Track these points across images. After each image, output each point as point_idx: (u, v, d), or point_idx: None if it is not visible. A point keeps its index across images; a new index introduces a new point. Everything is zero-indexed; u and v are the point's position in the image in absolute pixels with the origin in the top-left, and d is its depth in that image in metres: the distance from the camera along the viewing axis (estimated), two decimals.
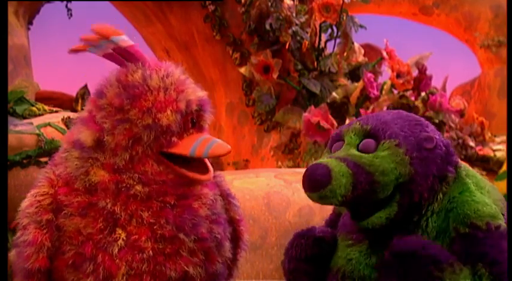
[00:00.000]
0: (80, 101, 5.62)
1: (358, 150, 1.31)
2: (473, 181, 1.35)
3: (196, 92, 1.38)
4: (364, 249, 1.34)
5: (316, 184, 1.24)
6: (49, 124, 2.23)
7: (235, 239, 1.54)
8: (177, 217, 1.36)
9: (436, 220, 1.30)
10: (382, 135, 1.31)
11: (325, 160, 1.29)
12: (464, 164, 1.41)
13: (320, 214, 1.91)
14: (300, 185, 2.20)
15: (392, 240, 1.26)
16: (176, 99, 1.33)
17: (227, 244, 1.47)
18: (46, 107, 2.43)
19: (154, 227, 1.34)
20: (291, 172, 2.29)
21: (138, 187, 1.35)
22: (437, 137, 1.34)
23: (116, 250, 1.32)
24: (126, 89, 1.33)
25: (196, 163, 1.37)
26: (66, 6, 4.18)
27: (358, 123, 1.36)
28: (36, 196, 1.38)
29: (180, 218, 1.36)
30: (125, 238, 1.33)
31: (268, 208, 2.01)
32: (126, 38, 1.37)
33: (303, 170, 2.62)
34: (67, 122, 2.25)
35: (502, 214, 1.29)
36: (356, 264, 1.34)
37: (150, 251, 1.33)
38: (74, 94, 5.87)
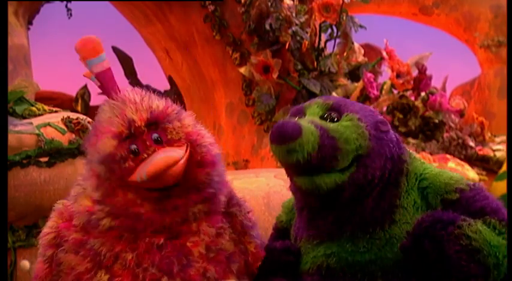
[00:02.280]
0: (79, 101, 5.64)
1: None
2: (421, 159, 1.44)
3: (147, 108, 1.32)
4: (344, 240, 1.35)
5: (286, 136, 1.25)
6: (49, 124, 2.22)
7: (249, 272, 1.49)
8: (164, 258, 1.33)
9: (410, 197, 1.35)
10: (345, 109, 1.36)
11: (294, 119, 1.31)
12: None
13: None
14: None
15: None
16: (112, 124, 1.30)
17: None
18: (46, 107, 2.43)
19: (137, 270, 1.31)
20: None
21: (105, 221, 1.33)
22: (389, 126, 1.40)
23: None
24: (91, 131, 1.37)
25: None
26: (66, 6, 4.18)
27: (319, 99, 1.40)
28: (47, 228, 1.41)
29: (166, 260, 1.33)
30: None
31: (268, 208, 2.01)
32: (98, 61, 1.34)
33: None
34: (67, 122, 2.25)
35: None
36: (341, 253, 1.35)
37: None
38: (73, 94, 5.89)
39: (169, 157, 1.28)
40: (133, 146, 1.30)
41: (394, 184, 1.36)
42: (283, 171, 2.48)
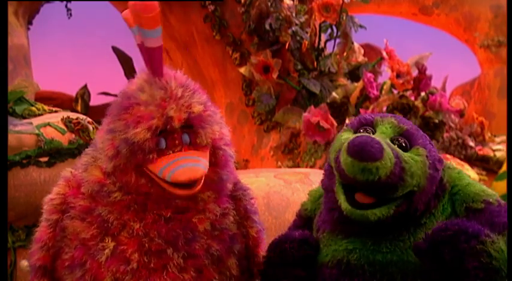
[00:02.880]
0: (79, 101, 5.64)
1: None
2: (458, 169, 1.43)
3: (186, 109, 1.33)
4: (368, 238, 1.35)
5: (368, 156, 1.23)
6: (49, 124, 2.22)
7: (250, 256, 1.51)
8: (170, 230, 1.35)
9: (442, 204, 1.35)
10: (416, 141, 1.34)
11: (375, 136, 1.30)
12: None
13: None
14: (299, 185, 2.21)
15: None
16: (151, 116, 1.31)
17: (232, 261, 1.44)
18: (46, 107, 2.43)
19: (143, 239, 1.33)
20: (290, 171, 2.29)
21: (117, 194, 1.34)
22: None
23: (103, 258, 1.33)
24: (123, 98, 1.35)
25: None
26: (66, 6, 4.18)
27: (394, 118, 1.37)
28: (52, 194, 1.43)
29: (172, 232, 1.35)
30: (112, 248, 1.33)
31: (268, 207, 2.01)
32: (155, 35, 1.27)
33: (302, 170, 2.63)
34: (67, 122, 2.25)
35: None
36: (362, 251, 1.34)
37: (135, 264, 1.33)
38: (73, 94, 5.90)
39: (196, 170, 1.30)
40: (163, 143, 1.32)
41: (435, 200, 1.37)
42: (282, 171, 2.49)
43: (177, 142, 1.33)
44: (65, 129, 2.23)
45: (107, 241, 1.34)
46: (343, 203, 1.32)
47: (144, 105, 1.32)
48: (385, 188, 1.27)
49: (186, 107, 1.33)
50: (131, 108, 1.32)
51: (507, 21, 4.33)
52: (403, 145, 1.33)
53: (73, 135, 2.23)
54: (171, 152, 1.33)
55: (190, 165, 1.31)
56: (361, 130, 1.38)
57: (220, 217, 1.42)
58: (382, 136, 1.32)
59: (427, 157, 1.32)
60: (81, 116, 2.34)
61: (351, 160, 1.25)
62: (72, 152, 2.18)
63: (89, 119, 2.34)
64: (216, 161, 1.39)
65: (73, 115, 2.31)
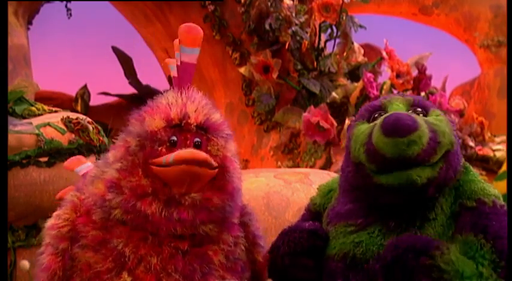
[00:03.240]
0: (79, 101, 5.63)
1: None
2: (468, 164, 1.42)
3: (205, 113, 1.34)
4: (375, 231, 1.34)
5: (406, 129, 1.23)
6: (48, 124, 2.22)
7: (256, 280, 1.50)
8: (187, 265, 1.32)
9: (449, 198, 1.33)
10: (428, 105, 1.36)
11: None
12: None
13: None
14: (299, 185, 2.21)
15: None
16: (169, 108, 1.32)
17: None
18: (46, 107, 2.43)
19: (161, 275, 1.31)
20: (290, 171, 2.28)
21: (118, 212, 1.32)
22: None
23: None
24: (145, 107, 1.37)
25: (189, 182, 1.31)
26: (66, 6, 4.17)
27: (397, 95, 1.39)
28: (58, 219, 1.38)
29: (189, 267, 1.33)
30: None
31: (268, 208, 2.00)
32: (190, 52, 1.34)
33: (302, 170, 2.63)
34: (66, 122, 2.25)
35: None
36: (369, 245, 1.33)
37: None
38: (73, 94, 5.89)
39: (200, 153, 1.28)
40: (174, 138, 1.32)
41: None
42: (282, 171, 2.49)
43: (188, 142, 1.33)
44: (65, 129, 2.23)
45: (123, 275, 1.30)
46: (387, 178, 1.28)
47: (165, 103, 1.33)
48: (427, 155, 1.26)
49: (206, 112, 1.34)
50: (150, 109, 1.34)
51: (507, 21, 4.33)
52: (421, 113, 1.34)
53: (73, 135, 2.23)
54: (179, 150, 1.32)
55: (195, 150, 1.30)
56: (372, 118, 1.37)
57: (233, 247, 1.40)
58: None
59: (443, 115, 1.35)
60: (81, 116, 2.34)
61: (391, 139, 1.24)
62: (72, 152, 2.18)
63: (88, 119, 2.34)
64: (223, 188, 1.36)
65: (73, 115, 2.31)
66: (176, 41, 1.37)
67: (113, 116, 5.64)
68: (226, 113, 4.68)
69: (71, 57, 6.61)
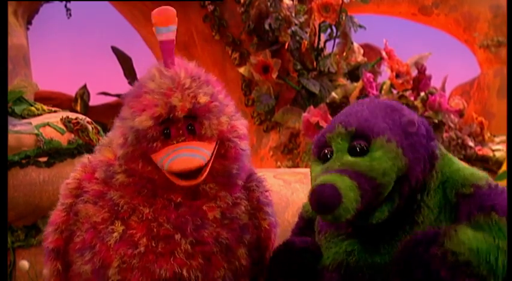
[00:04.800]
0: (79, 101, 5.63)
1: (350, 155, 1.29)
2: (451, 156, 1.40)
3: (192, 99, 1.34)
4: (367, 239, 1.34)
5: (329, 206, 1.21)
6: (48, 124, 2.22)
7: (261, 247, 1.51)
8: (180, 216, 1.36)
9: (435, 196, 1.32)
10: (371, 135, 1.29)
11: (327, 177, 1.25)
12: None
13: None
14: (299, 185, 2.20)
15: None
16: (155, 103, 1.33)
17: (241, 251, 1.44)
18: (45, 107, 2.42)
19: (152, 224, 1.35)
20: (290, 171, 2.29)
21: (121, 176, 1.37)
22: (415, 117, 1.34)
23: (112, 241, 1.35)
24: (136, 87, 1.40)
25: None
26: (66, 6, 4.17)
27: (340, 126, 1.32)
28: (70, 179, 1.46)
29: (181, 218, 1.36)
30: (121, 231, 1.35)
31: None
32: (166, 30, 1.37)
33: (302, 170, 2.63)
34: (66, 122, 2.24)
35: None
36: (361, 253, 1.33)
37: (142, 248, 1.34)
38: (73, 94, 5.89)
39: (191, 161, 1.30)
40: (167, 131, 1.34)
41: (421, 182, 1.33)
42: (282, 171, 2.49)
43: (181, 131, 1.35)
44: (64, 129, 2.23)
45: (116, 224, 1.35)
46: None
47: (151, 93, 1.34)
48: (370, 204, 1.26)
49: (191, 97, 1.34)
50: (139, 97, 1.36)
51: (507, 22, 4.33)
52: (363, 147, 1.28)
53: (72, 135, 2.22)
54: (174, 142, 1.34)
55: (187, 155, 1.31)
56: (322, 155, 1.35)
57: (231, 206, 1.42)
58: (339, 157, 1.29)
59: (388, 141, 1.27)
60: (81, 116, 2.33)
61: (322, 216, 1.27)
62: (71, 152, 2.18)
63: (88, 119, 2.33)
64: (226, 154, 1.39)
65: (72, 115, 2.31)
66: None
67: (113, 116, 5.63)
68: None
69: (70, 57, 6.60)
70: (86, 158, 1.50)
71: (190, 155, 1.32)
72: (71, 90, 5.65)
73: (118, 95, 5.87)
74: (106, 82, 5.96)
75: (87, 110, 5.47)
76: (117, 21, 5.29)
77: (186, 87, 1.35)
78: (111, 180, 1.38)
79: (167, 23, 1.37)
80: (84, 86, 5.60)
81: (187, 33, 4.72)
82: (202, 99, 1.35)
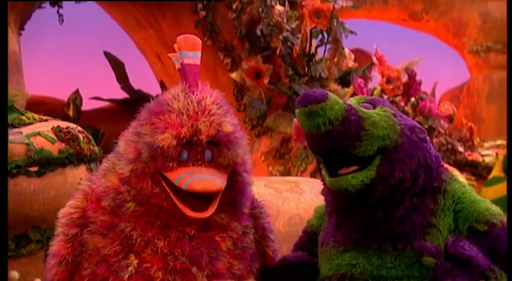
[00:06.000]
0: (71, 105, 5.59)
1: None
2: (464, 182, 1.41)
3: (217, 126, 1.33)
4: (370, 252, 1.33)
5: (311, 98, 1.24)
6: (39, 133, 2.20)
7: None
8: (194, 249, 1.34)
9: (446, 219, 1.32)
10: (381, 103, 1.36)
11: None
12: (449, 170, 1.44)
13: None
14: (290, 194, 2.19)
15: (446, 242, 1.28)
16: (181, 124, 1.31)
17: (251, 280, 1.43)
18: (36, 116, 2.40)
19: (168, 257, 1.32)
20: (281, 180, 2.27)
21: (130, 205, 1.33)
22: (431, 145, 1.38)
23: (126, 276, 1.31)
24: (155, 104, 1.37)
25: (201, 196, 1.31)
26: (58, 12, 4.15)
27: (358, 96, 1.40)
28: (70, 208, 1.40)
29: (196, 251, 1.34)
30: (136, 265, 1.31)
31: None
32: (193, 55, 1.37)
33: (293, 178, 2.62)
34: (57, 131, 2.22)
35: None
36: (366, 266, 1.33)
37: None
38: (65, 99, 5.85)
39: (213, 183, 1.30)
40: (185, 155, 1.32)
41: (430, 200, 1.33)
42: (273, 179, 2.47)
43: (199, 156, 1.33)
44: (55, 138, 2.20)
45: (130, 258, 1.32)
46: (327, 179, 1.31)
47: (176, 113, 1.32)
48: (345, 137, 1.26)
49: (217, 124, 1.33)
50: (162, 114, 1.33)
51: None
52: (367, 108, 1.33)
53: (63, 145, 2.20)
54: (190, 164, 1.32)
55: (208, 177, 1.30)
56: None
57: (241, 236, 1.41)
58: None
59: (393, 114, 1.32)
60: (72, 125, 2.31)
61: (299, 110, 1.27)
62: (62, 162, 2.16)
63: (79, 128, 2.31)
64: (233, 186, 1.38)
65: (63, 124, 2.28)
66: (172, 53, 1.41)
67: (105, 120, 5.61)
68: None
69: (63, 62, 6.58)
70: (86, 185, 1.44)
71: (212, 178, 1.30)
72: (64, 95, 5.62)
73: (110, 100, 5.86)
74: (98, 87, 5.93)
75: (79, 114, 5.44)
76: (109, 27, 5.27)
77: (212, 114, 1.33)
78: (121, 209, 1.35)
79: (194, 49, 1.38)
80: (77, 91, 5.58)
81: None
82: (227, 128, 1.34)
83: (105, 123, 5.37)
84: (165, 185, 1.32)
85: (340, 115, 1.25)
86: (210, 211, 1.31)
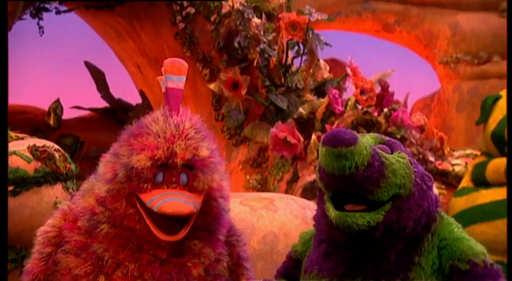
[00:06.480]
0: (52, 114, 5.52)
1: None
2: (452, 221, 1.38)
3: (193, 150, 1.31)
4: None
5: (341, 140, 1.20)
6: (14, 153, 2.14)
7: None
8: (165, 274, 1.31)
9: (429, 257, 1.30)
10: (398, 148, 1.33)
11: None
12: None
13: (284, 240, 1.87)
14: (265, 212, 2.16)
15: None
16: (157, 146, 1.29)
17: None
18: (12, 134, 2.34)
19: (137, 280, 1.29)
20: (256, 197, 2.24)
21: (104, 226, 1.31)
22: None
23: None
24: (135, 126, 1.35)
25: (174, 219, 1.29)
26: (38, 24, 4.08)
27: (376, 134, 1.37)
28: (47, 226, 1.38)
29: (167, 276, 1.31)
30: None
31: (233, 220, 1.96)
32: (177, 79, 1.36)
33: (268, 195, 2.58)
34: (33, 150, 2.16)
35: None
36: None
37: None
38: (46, 108, 5.78)
39: (185, 206, 1.27)
40: (160, 177, 1.30)
41: (421, 241, 1.31)
42: (248, 196, 2.44)
43: (174, 179, 1.31)
44: (31, 157, 2.14)
45: (100, 279, 1.29)
46: (333, 213, 1.27)
47: (153, 136, 1.31)
48: (366, 182, 1.22)
49: (193, 148, 1.31)
50: (140, 136, 1.32)
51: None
52: (385, 151, 1.30)
53: (39, 164, 2.14)
54: (165, 187, 1.30)
55: (180, 200, 1.28)
56: None
57: (214, 263, 1.38)
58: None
59: (410, 163, 1.29)
60: (48, 144, 2.25)
61: (325, 149, 1.22)
62: (37, 181, 2.10)
63: (55, 147, 2.25)
64: (208, 211, 1.35)
65: (39, 143, 2.22)
66: (159, 77, 1.39)
67: (85, 129, 5.56)
68: None
69: (44, 72, 6.50)
70: (65, 205, 1.43)
71: (184, 200, 1.28)
72: (45, 104, 5.55)
73: (91, 109, 5.80)
74: (79, 96, 5.88)
75: (60, 123, 5.37)
76: (90, 37, 5.22)
77: (189, 138, 1.32)
78: (95, 230, 1.32)
79: (179, 73, 1.36)
80: (58, 100, 5.52)
81: (159, 49, 4.67)
82: (203, 152, 1.32)
83: (86, 132, 5.33)
84: (139, 206, 1.29)
85: (367, 160, 1.22)
86: (182, 233, 1.28)
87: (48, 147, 2.17)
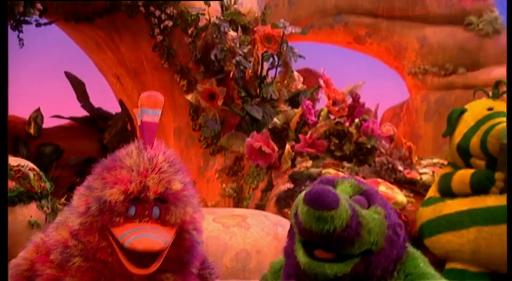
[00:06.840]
0: (32, 124, 5.43)
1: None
2: (418, 255, 1.36)
3: (166, 183, 1.29)
4: None
5: (324, 205, 1.18)
6: None
7: None
8: None
9: None
10: (375, 201, 1.30)
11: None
12: None
13: (256, 258, 1.84)
14: (237, 229, 2.14)
15: None
16: (130, 180, 1.27)
17: None
18: None
19: None
20: (229, 214, 2.21)
21: (77, 260, 1.28)
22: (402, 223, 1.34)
23: None
24: (110, 160, 1.33)
25: (146, 253, 1.26)
26: (18, 36, 4.00)
27: (354, 180, 1.33)
28: (19, 259, 1.35)
29: None
30: None
31: (205, 252, 1.93)
32: (152, 113, 1.33)
33: (241, 211, 2.55)
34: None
35: None
36: None
37: None
38: (27, 117, 5.68)
39: (156, 243, 1.24)
40: (133, 211, 1.28)
41: (383, 278, 1.30)
42: (221, 213, 2.41)
43: (146, 212, 1.28)
44: None
45: None
46: (302, 258, 1.25)
47: (126, 169, 1.29)
48: (341, 242, 1.22)
49: (166, 182, 1.29)
50: (114, 170, 1.29)
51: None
52: (362, 204, 1.28)
53: (13, 183, 2.08)
54: (137, 220, 1.27)
55: (151, 236, 1.25)
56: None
57: None
58: (342, 194, 1.27)
59: (385, 217, 1.27)
60: (23, 163, 2.19)
61: (307, 208, 1.20)
62: (12, 200, 2.04)
63: (30, 166, 2.19)
64: (181, 244, 1.33)
65: (14, 162, 2.16)
66: (136, 109, 1.37)
67: (66, 138, 5.48)
68: (175, 136, 4.60)
69: (24, 82, 6.39)
70: (38, 237, 1.39)
71: (155, 236, 1.25)
72: (25, 114, 5.45)
73: (71, 118, 5.72)
74: (59, 105, 5.79)
75: (40, 132, 5.28)
76: (70, 48, 5.14)
77: (163, 171, 1.30)
78: (67, 264, 1.29)
79: (154, 107, 1.34)
80: (38, 109, 5.43)
81: (138, 61, 4.63)
82: (176, 186, 1.30)
83: (66, 140, 5.25)
84: (111, 240, 1.27)
85: (345, 223, 1.20)
86: (154, 267, 1.25)
87: (22, 166, 2.11)
